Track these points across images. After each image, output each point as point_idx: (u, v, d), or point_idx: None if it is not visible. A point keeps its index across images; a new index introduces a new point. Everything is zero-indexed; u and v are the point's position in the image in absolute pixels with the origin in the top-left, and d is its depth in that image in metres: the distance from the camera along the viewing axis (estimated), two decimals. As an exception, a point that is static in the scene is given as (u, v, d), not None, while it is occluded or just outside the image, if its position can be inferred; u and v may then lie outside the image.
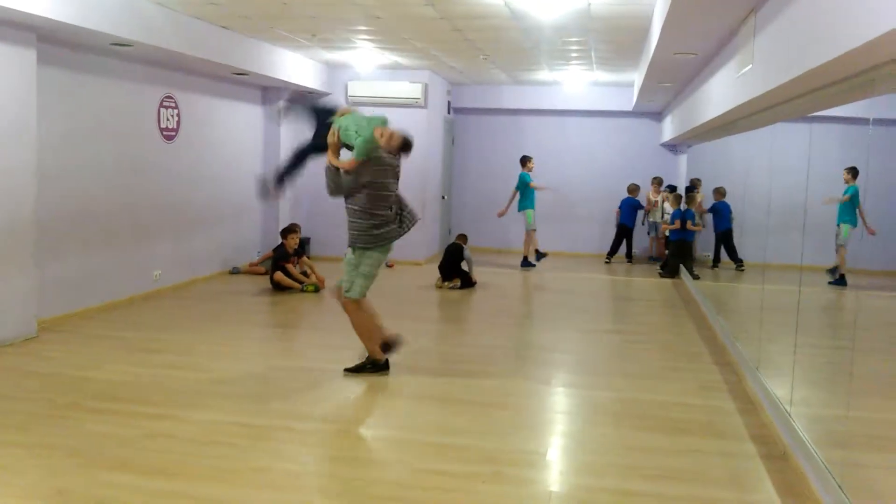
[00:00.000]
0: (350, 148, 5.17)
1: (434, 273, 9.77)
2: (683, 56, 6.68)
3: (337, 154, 5.25)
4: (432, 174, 11.79)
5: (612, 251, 12.36)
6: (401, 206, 5.33)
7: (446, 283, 9.34)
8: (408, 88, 10.96)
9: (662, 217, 11.95)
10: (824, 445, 3.67)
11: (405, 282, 9.75)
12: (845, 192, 5.81)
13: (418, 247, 11.15)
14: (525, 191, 11.28)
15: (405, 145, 5.25)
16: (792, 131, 5.28)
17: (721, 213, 9.65)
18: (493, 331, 7.30)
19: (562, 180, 12.93)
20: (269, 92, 10.66)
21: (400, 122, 11.08)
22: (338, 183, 5.21)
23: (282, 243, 8.89)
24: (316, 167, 5.79)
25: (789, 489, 3.66)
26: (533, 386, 5.44)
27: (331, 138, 5.21)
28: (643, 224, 12.63)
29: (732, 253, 9.43)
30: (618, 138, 13.12)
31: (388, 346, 5.45)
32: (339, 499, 3.48)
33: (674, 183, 12.24)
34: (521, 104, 12.91)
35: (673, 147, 12.85)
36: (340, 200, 5.32)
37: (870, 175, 4.26)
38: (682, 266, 10.71)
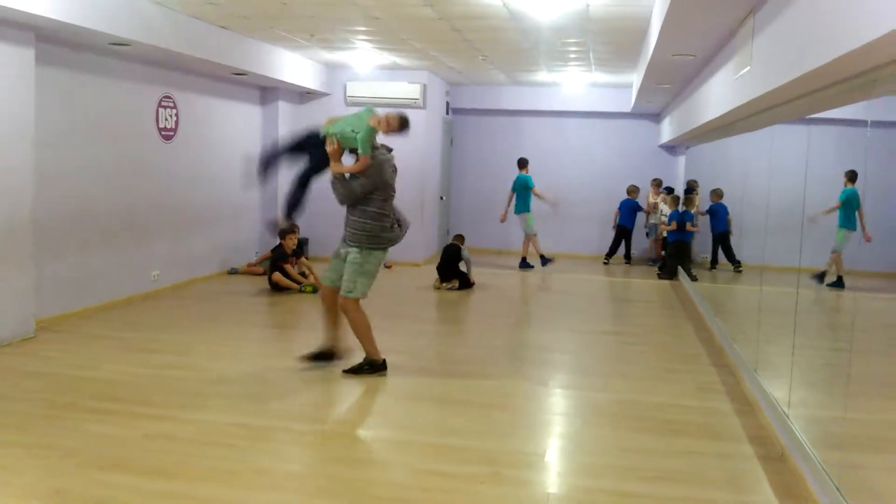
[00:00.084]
0: (354, 150, 5.17)
1: (432, 274, 9.77)
2: (682, 57, 6.69)
3: (339, 162, 5.24)
4: (431, 175, 11.79)
5: (611, 252, 12.37)
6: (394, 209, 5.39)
7: (444, 284, 9.34)
8: (406, 89, 10.96)
9: (660, 218, 11.96)
10: (822, 447, 3.68)
11: (404, 283, 9.75)
12: (839, 198, 5.81)
13: (417, 248, 11.15)
14: (522, 193, 11.31)
15: (403, 122, 5.30)
16: (790, 133, 5.29)
17: (718, 214, 9.66)
18: (492, 332, 7.30)
19: (560, 181, 12.93)
20: (267, 92, 10.67)
21: (399, 122, 11.11)
22: (350, 189, 5.18)
23: (280, 244, 8.88)
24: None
25: (787, 491, 3.66)
26: (531, 387, 5.44)
27: (330, 148, 5.18)
28: (645, 227, 12.62)
29: (730, 254, 9.45)
30: (616, 139, 13.13)
31: (329, 354, 5.46)
32: (339, 500, 3.47)
33: (672, 185, 12.25)
34: (520, 105, 12.92)
35: (671, 148, 12.87)
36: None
37: (868, 177, 4.27)
38: (680, 267, 10.72)
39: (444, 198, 12.92)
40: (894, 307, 5.92)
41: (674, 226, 10.68)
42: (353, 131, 5.13)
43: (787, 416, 4.18)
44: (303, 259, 9.18)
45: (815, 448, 3.69)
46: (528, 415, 4.88)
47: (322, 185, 5.50)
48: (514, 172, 11.55)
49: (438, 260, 9.60)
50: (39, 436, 4.08)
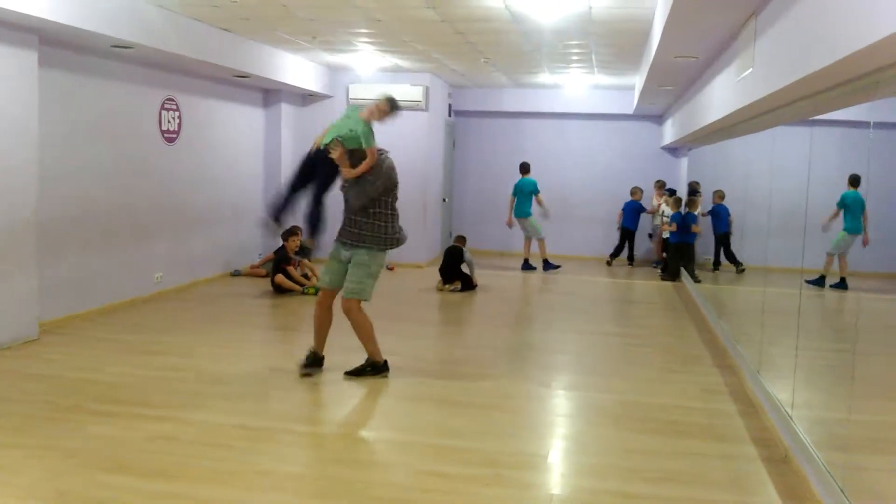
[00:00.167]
0: (359, 152, 5.16)
1: (435, 276, 9.77)
2: (684, 59, 6.68)
3: (347, 164, 5.20)
4: (433, 177, 11.80)
5: (616, 253, 12.38)
6: None
7: (447, 286, 9.34)
8: (409, 91, 10.96)
9: (662, 220, 11.95)
10: (826, 448, 3.67)
11: (406, 284, 9.75)
12: (837, 203, 5.79)
13: (419, 249, 11.15)
14: (523, 197, 11.31)
15: (392, 104, 5.31)
16: (793, 135, 5.28)
17: (720, 215, 9.65)
18: (494, 333, 7.29)
19: (562, 183, 12.94)
20: (270, 94, 10.68)
21: (401, 124, 11.16)
22: (364, 191, 5.16)
23: (283, 245, 8.89)
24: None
25: (791, 492, 3.66)
26: (534, 388, 5.43)
27: (336, 154, 5.15)
28: (650, 230, 12.60)
29: (730, 256, 9.44)
30: (618, 141, 13.13)
31: (321, 359, 5.43)
32: (340, 501, 3.47)
33: (674, 186, 12.25)
34: (522, 107, 12.92)
35: (674, 150, 12.86)
36: (341, 201, 5.32)
37: (870, 179, 4.26)
38: (682, 269, 10.71)
39: (446, 200, 12.92)
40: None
41: (674, 227, 10.67)
42: (350, 131, 5.13)
43: (791, 418, 4.17)
44: (305, 261, 9.18)
45: (818, 449, 3.68)
46: (531, 416, 4.87)
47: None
48: (517, 175, 11.55)
49: (441, 262, 9.61)
50: (41, 437, 4.08)
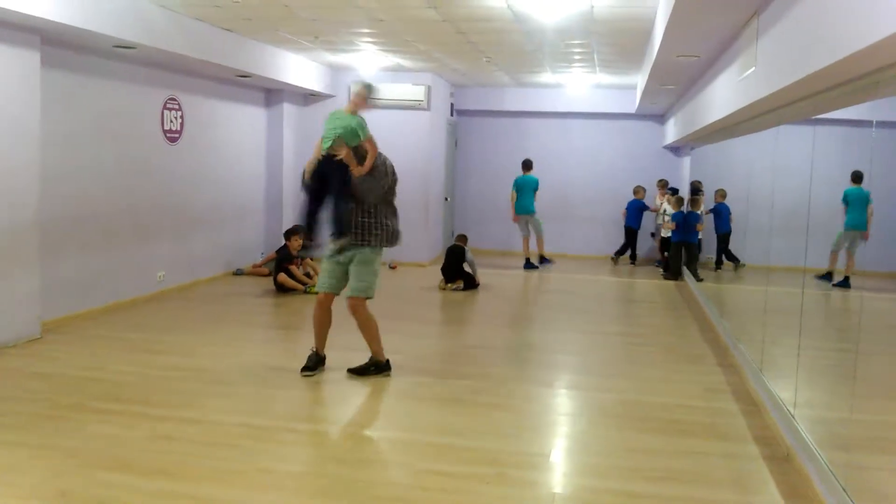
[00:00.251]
0: (361, 149, 5.17)
1: (437, 275, 9.77)
2: (686, 58, 6.68)
3: (355, 162, 5.17)
4: (435, 176, 11.80)
5: (621, 251, 12.39)
6: None
7: (449, 285, 9.34)
8: (411, 91, 10.97)
9: (663, 219, 11.94)
10: (828, 447, 3.67)
11: (408, 283, 9.76)
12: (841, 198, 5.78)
13: (422, 248, 11.16)
14: (526, 193, 11.33)
15: (368, 88, 5.33)
16: (795, 134, 5.27)
17: (722, 214, 9.64)
18: (496, 332, 7.29)
19: (565, 182, 12.95)
20: (272, 94, 10.69)
21: (403, 123, 11.19)
22: (373, 188, 5.17)
23: (285, 245, 8.89)
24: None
25: (793, 491, 3.65)
26: (536, 387, 5.43)
27: (343, 154, 5.11)
28: (653, 230, 12.59)
29: (728, 253, 9.43)
30: (621, 140, 13.12)
31: (323, 358, 5.45)
32: (341, 500, 3.47)
33: (677, 186, 12.24)
34: (524, 106, 12.92)
35: (676, 149, 12.85)
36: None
37: (873, 177, 4.25)
38: (685, 268, 10.71)
39: (448, 199, 12.93)
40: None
41: (674, 226, 10.66)
42: (344, 127, 5.13)
43: (793, 417, 4.17)
44: (308, 260, 9.19)
45: (821, 448, 3.68)
46: (533, 415, 4.87)
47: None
48: (519, 173, 11.56)
49: (443, 261, 9.61)
50: (44, 436, 4.09)
